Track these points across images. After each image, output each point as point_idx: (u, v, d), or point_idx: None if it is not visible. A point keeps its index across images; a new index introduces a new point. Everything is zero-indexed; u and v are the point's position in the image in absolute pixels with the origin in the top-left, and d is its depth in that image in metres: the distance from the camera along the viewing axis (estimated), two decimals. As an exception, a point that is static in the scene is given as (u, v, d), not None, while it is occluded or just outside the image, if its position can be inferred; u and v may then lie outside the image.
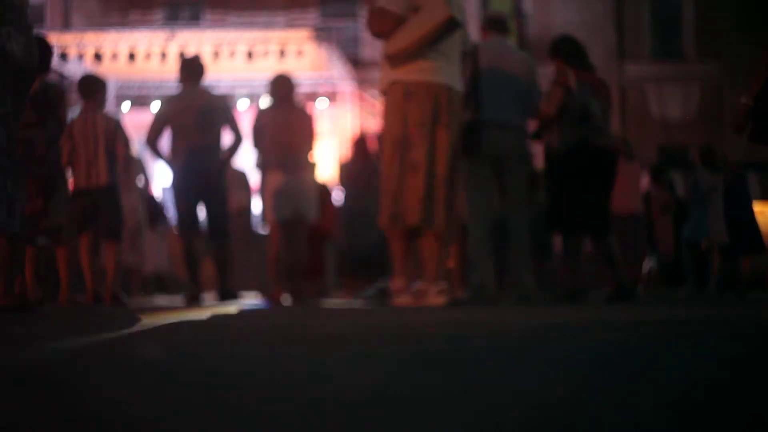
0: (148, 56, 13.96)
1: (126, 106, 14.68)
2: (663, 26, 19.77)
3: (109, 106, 10.83)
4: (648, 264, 10.80)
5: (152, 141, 7.05)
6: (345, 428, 0.97)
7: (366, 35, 19.64)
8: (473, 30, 7.31)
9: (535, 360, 1.76)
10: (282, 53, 13.82)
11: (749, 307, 5.04)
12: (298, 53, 13.84)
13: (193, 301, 6.79)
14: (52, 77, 7.26)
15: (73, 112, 6.67)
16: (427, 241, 5.28)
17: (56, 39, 12.97)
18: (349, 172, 9.19)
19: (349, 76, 16.08)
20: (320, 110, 14.71)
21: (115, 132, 6.41)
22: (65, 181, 6.15)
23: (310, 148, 7.46)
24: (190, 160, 6.95)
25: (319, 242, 8.73)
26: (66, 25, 19.10)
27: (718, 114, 18.74)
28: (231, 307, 5.98)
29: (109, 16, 19.42)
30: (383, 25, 5.21)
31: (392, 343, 2.23)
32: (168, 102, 7.37)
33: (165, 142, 7.16)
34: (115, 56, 13.96)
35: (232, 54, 13.85)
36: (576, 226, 6.26)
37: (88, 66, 13.30)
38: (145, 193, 9.68)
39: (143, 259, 9.90)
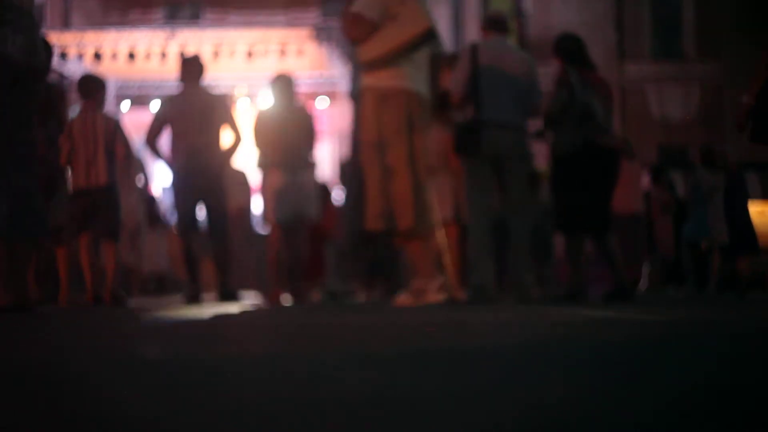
0: (147, 56, 13.96)
1: (126, 105, 14.68)
2: (663, 26, 19.76)
3: (109, 106, 10.82)
4: (646, 268, 10.80)
5: (152, 141, 7.04)
6: (345, 428, 0.97)
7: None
8: (473, 30, 7.31)
9: (535, 360, 1.76)
10: (282, 52, 13.82)
11: (749, 308, 5.04)
12: (299, 52, 13.84)
13: (193, 301, 6.79)
14: (52, 77, 7.26)
15: (73, 111, 6.67)
16: (414, 243, 5.31)
17: (56, 38, 12.97)
18: (348, 172, 9.18)
19: (349, 76, 16.07)
20: (320, 110, 14.71)
21: (115, 132, 6.40)
22: (65, 181, 6.15)
23: (310, 148, 7.46)
24: (190, 160, 6.94)
25: (319, 242, 8.73)
26: (66, 25, 19.09)
27: (718, 114, 18.74)
28: (231, 307, 5.98)
29: (109, 15, 19.43)
30: (359, 31, 5.22)
31: (392, 343, 2.23)
32: (168, 102, 7.37)
33: (165, 141, 7.16)
34: (114, 56, 13.96)
35: (232, 53, 13.84)
36: (578, 225, 6.25)
37: (88, 65, 13.30)
38: (145, 193, 9.68)
39: (142, 259, 9.90)
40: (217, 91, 7.94)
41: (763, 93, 4.51)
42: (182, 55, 8.97)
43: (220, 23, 18.40)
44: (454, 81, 6.17)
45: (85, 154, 6.26)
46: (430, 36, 5.28)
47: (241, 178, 10.00)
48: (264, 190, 7.49)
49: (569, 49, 6.28)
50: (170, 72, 10.40)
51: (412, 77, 5.27)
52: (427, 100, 5.43)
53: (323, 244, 8.96)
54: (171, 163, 7.11)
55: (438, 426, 0.98)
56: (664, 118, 19.45)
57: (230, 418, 1.04)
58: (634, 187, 9.49)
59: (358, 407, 1.11)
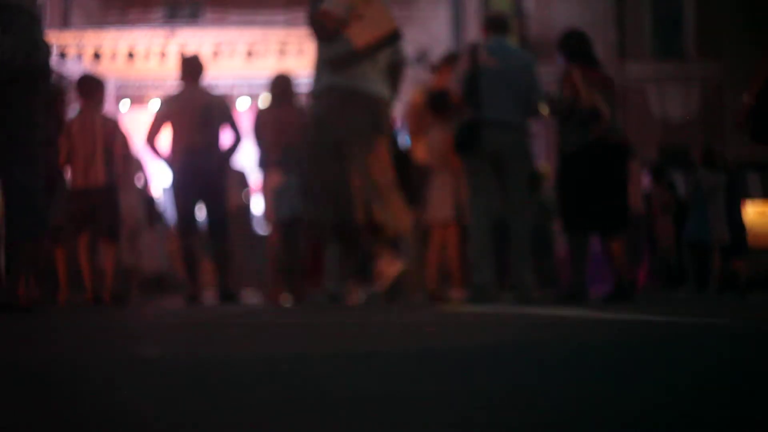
0: (147, 55, 13.95)
1: (125, 105, 14.67)
2: (664, 25, 19.76)
3: (108, 106, 10.82)
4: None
5: (151, 140, 7.04)
6: (345, 428, 0.97)
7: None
8: (473, 30, 7.32)
9: (535, 360, 1.75)
10: (282, 52, 13.81)
11: (747, 309, 5.04)
12: (299, 52, 13.83)
13: (193, 301, 6.79)
14: (51, 77, 7.25)
15: (72, 111, 6.67)
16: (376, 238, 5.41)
17: (55, 38, 12.96)
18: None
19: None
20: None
21: (114, 132, 6.40)
22: (63, 181, 6.15)
23: (310, 147, 7.45)
24: (190, 160, 6.94)
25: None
26: (65, 24, 19.08)
27: (718, 114, 18.74)
28: (230, 307, 5.98)
29: (108, 15, 19.42)
30: (326, 29, 5.25)
31: (392, 343, 2.22)
32: (167, 101, 7.36)
33: (164, 141, 7.15)
34: (114, 55, 13.95)
35: (232, 53, 13.83)
36: (586, 224, 6.18)
37: (87, 65, 13.30)
38: (144, 193, 9.67)
39: (142, 259, 9.89)
40: (216, 91, 7.93)
41: (763, 93, 4.51)
42: (182, 54, 8.97)
43: (219, 23, 18.38)
44: (454, 81, 6.17)
45: (84, 154, 6.26)
46: (395, 38, 5.31)
47: (240, 177, 9.99)
48: (264, 190, 7.49)
49: (574, 46, 6.24)
50: (170, 71, 10.40)
51: (375, 79, 5.30)
52: (388, 102, 5.46)
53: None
54: (171, 163, 7.10)
55: (438, 425, 0.98)
56: (665, 118, 19.45)
57: (230, 418, 1.03)
58: (634, 186, 9.49)
59: (358, 406, 1.10)
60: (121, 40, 14.07)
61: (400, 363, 1.69)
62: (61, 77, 11.54)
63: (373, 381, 1.39)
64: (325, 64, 5.28)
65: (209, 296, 7.82)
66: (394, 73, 5.48)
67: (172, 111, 7.08)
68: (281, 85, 7.49)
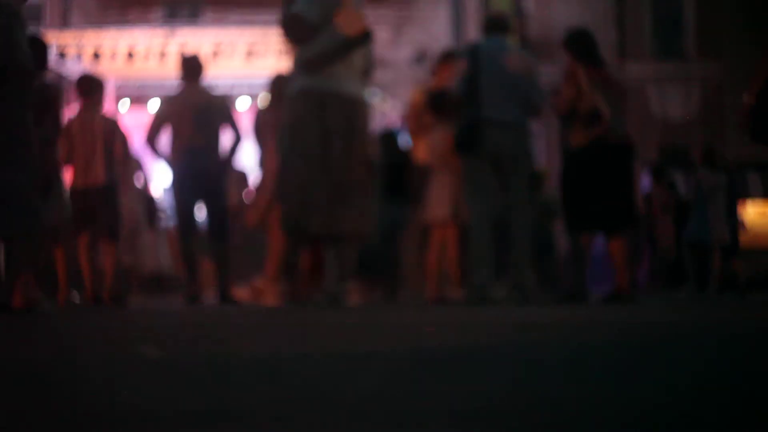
0: (146, 55, 13.94)
1: (125, 105, 14.67)
2: (664, 25, 19.76)
3: (108, 105, 10.82)
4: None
5: (151, 140, 7.04)
6: (345, 427, 0.97)
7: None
8: (473, 30, 7.33)
9: (535, 360, 1.75)
10: (282, 52, 13.79)
11: (747, 309, 5.04)
12: (298, 52, 13.80)
13: (192, 301, 6.79)
14: (50, 76, 7.25)
15: (72, 111, 6.67)
16: (278, 243, 5.48)
17: (55, 38, 12.96)
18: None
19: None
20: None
21: (113, 132, 6.40)
22: (61, 181, 6.15)
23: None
24: (189, 160, 6.93)
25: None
26: (65, 24, 19.08)
27: (719, 113, 18.74)
28: (230, 307, 5.98)
29: (108, 14, 19.41)
30: (298, 33, 5.30)
31: (392, 343, 2.22)
32: (167, 101, 7.36)
33: (164, 141, 7.15)
34: (113, 55, 13.94)
35: (232, 53, 13.83)
36: (590, 223, 6.16)
37: (87, 65, 13.29)
38: (144, 193, 9.67)
39: (141, 259, 9.89)
40: (216, 91, 7.92)
41: (763, 93, 4.50)
42: (181, 54, 8.96)
43: (219, 22, 18.38)
44: (454, 81, 6.17)
45: (84, 154, 6.26)
46: (366, 39, 5.34)
47: (240, 177, 9.99)
48: (264, 189, 7.48)
49: (579, 46, 6.21)
50: (169, 71, 10.38)
51: (350, 79, 5.32)
52: (364, 102, 5.48)
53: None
54: (170, 163, 7.10)
55: (437, 425, 0.98)
56: (665, 118, 19.45)
57: (230, 417, 1.03)
58: (634, 186, 9.49)
59: (358, 406, 1.10)
60: (121, 39, 14.07)
61: (400, 363, 1.69)
62: (60, 77, 11.54)
63: (373, 381, 1.39)
64: (299, 66, 5.34)
65: (209, 296, 7.82)
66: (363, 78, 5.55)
67: (171, 111, 7.07)
68: (281, 85, 7.48)
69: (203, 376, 1.48)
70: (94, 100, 6.41)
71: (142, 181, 9.59)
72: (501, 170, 6.11)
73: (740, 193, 9.54)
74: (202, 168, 6.93)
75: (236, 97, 14.03)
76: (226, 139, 7.19)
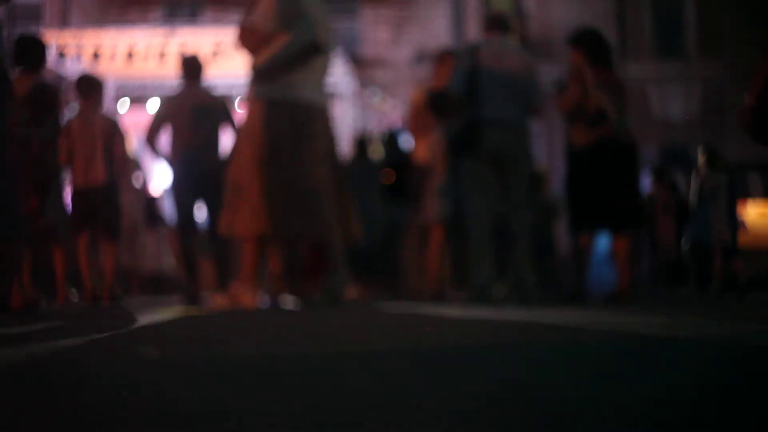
0: (146, 55, 13.94)
1: (124, 105, 14.66)
2: (664, 25, 19.76)
3: (108, 105, 10.81)
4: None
5: (151, 140, 7.04)
6: (346, 428, 0.97)
7: (367, 34, 19.66)
8: (473, 30, 7.33)
9: (535, 360, 1.75)
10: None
11: (748, 309, 5.04)
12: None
13: (192, 301, 6.78)
14: (49, 76, 7.26)
15: (71, 111, 6.66)
16: (248, 246, 5.55)
17: (54, 37, 12.95)
18: (349, 172, 9.16)
19: (349, 76, 16.07)
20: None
21: (113, 131, 6.40)
22: (60, 181, 6.14)
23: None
24: (189, 159, 6.93)
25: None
26: (64, 24, 19.09)
27: (719, 113, 18.74)
28: (230, 308, 5.96)
29: (108, 14, 19.42)
30: (249, 42, 5.41)
31: (392, 343, 2.22)
32: (167, 101, 7.36)
33: (164, 141, 7.15)
34: (113, 55, 13.93)
35: (232, 53, 13.81)
36: (594, 223, 6.15)
37: (86, 65, 13.28)
38: (143, 193, 9.67)
39: (141, 259, 9.89)
40: (216, 91, 7.92)
41: (763, 93, 4.50)
42: (181, 54, 8.95)
43: (219, 22, 18.38)
44: (454, 81, 6.17)
45: (84, 154, 6.25)
46: (314, 51, 5.42)
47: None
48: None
49: (590, 45, 6.13)
50: (169, 71, 10.39)
51: (307, 86, 5.39)
52: (323, 108, 5.54)
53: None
54: (170, 163, 7.11)
55: (437, 424, 0.98)
56: (665, 118, 19.45)
57: (231, 417, 1.03)
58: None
59: (358, 405, 1.10)
60: (121, 39, 14.06)
61: (399, 363, 1.69)
62: (60, 77, 11.54)
63: (373, 381, 1.39)
64: (255, 74, 5.42)
65: (208, 296, 7.81)
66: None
67: (171, 111, 7.08)
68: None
69: (203, 376, 1.48)
70: (93, 100, 6.41)
71: (141, 181, 9.59)
72: (501, 170, 6.11)
73: (740, 193, 9.54)
74: (201, 168, 6.93)
75: (236, 97, 14.03)
76: (225, 138, 7.20)
